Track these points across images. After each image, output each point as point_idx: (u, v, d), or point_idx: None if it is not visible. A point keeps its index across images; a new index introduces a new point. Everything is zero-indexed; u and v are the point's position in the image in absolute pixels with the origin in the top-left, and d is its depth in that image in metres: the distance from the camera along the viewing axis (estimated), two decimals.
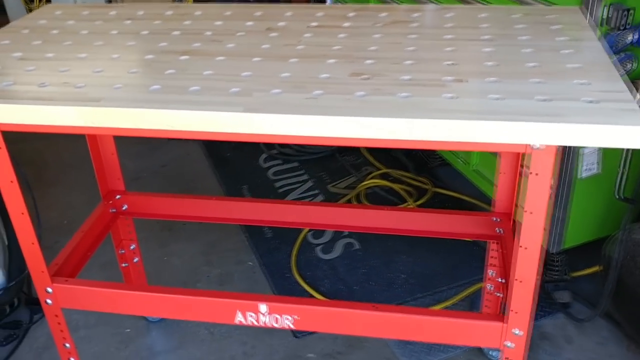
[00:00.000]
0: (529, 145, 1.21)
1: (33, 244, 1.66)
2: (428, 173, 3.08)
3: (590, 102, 1.17)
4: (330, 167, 3.23)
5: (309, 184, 3.11)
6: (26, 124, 1.36)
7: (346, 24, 1.65)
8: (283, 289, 2.45)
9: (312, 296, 2.41)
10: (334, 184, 3.10)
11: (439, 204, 2.88)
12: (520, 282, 1.43)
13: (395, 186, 2.98)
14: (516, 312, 1.48)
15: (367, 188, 3.01)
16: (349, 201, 2.93)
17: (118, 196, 2.07)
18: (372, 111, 1.17)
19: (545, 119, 1.13)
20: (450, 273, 2.48)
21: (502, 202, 1.88)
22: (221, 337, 2.26)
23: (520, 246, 1.38)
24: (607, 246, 2.10)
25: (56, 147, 3.58)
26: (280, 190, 3.08)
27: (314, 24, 1.66)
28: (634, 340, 2.13)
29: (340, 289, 2.44)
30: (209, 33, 1.63)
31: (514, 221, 1.88)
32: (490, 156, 2.48)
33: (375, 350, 2.17)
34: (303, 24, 1.67)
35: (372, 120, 1.15)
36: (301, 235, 2.71)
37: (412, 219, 1.98)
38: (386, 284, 2.45)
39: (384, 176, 3.09)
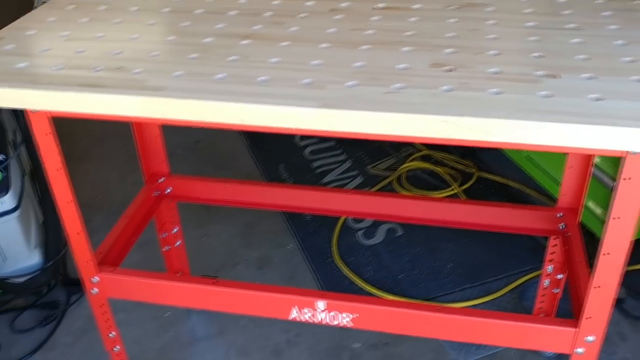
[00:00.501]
0: (629, 151, 1.11)
1: (79, 233, 1.59)
2: (472, 156, 2.98)
3: None
4: (369, 147, 3.13)
5: (348, 164, 3.02)
6: (79, 112, 1.28)
7: (415, 6, 1.53)
8: (325, 275, 2.39)
9: (355, 283, 2.34)
10: (374, 165, 3.00)
11: (484, 189, 2.78)
12: (599, 288, 1.35)
13: (439, 169, 2.88)
14: (590, 318, 1.40)
15: (408, 170, 2.92)
16: (390, 183, 2.84)
17: (162, 179, 2.00)
18: (463, 109, 1.07)
19: None
20: (498, 263, 2.40)
21: (568, 196, 1.78)
22: (263, 324, 2.21)
23: (603, 253, 1.29)
24: None
25: (85, 120, 3.50)
26: (318, 170, 2.99)
27: (381, 5, 1.55)
28: None
29: (385, 276, 2.37)
30: (268, 14, 1.53)
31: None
32: None
33: (423, 342, 2.11)
34: (368, 4, 1.56)
35: (466, 120, 1.05)
36: (341, 219, 2.63)
37: (466, 210, 1.89)
38: (432, 273, 2.37)
39: (425, 158, 2.99)
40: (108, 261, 1.72)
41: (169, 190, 2.01)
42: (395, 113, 1.08)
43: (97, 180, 3.01)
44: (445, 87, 1.15)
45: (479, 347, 2.07)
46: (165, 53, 1.36)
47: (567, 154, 1.74)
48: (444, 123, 1.06)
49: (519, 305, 2.21)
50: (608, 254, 1.29)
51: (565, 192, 1.78)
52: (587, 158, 1.68)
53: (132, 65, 1.31)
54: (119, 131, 3.34)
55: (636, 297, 2.21)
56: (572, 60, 1.24)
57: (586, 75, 1.18)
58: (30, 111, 1.34)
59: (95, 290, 1.69)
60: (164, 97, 1.18)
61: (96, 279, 1.67)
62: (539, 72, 1.19)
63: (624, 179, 1.15)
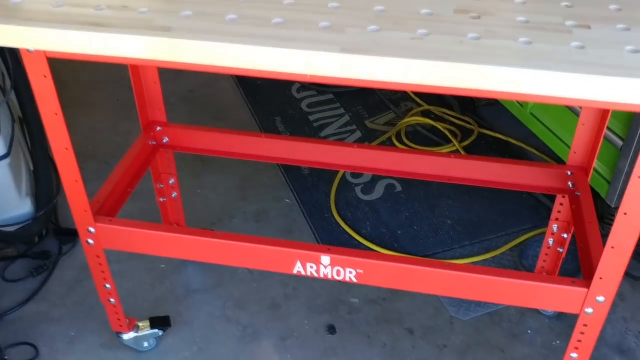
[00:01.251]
0: None
1: (76, 181, 1.53)
2: (473, 112, 2.93)
3: None
4: (368, 101, 3.06)
5: (346, 118, 2.96)
6: (79, 52, 1.20)
7: None
8: (323, 230, 2.35)
9: (353, 238, 2.31)
10: (372, 119, 2.94)
11: (484, 145, 2.74)
12: (613, 248, 1.32)
13: (439, 125, 2.82)
14: (602, 279, 1.38)
15: (407, 125, 2.86)
16: (389, 139, 2.79)
17: (159, 128, 1.93)
18: (492, 58, 1.02)
19: None
20: (498, 221, 2.37)
21: (579, 155, 1.74)
22: (261, 277, 2.17)
23: (622, 212, 1.26)
24: None
25: (74, 65, 3.38)
26: (316, 124, 2.93)
27: None
28: None
29: (383, 232, 2.34)
30: None
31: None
32: None
33: (422, 298, 2.09)
34: None
35: (495, 70, 0.99)
36: (339, 174, 2.59)
37: (470, 166, 1.84)
38: (431, 230, 2.34)
39: (425, 113, 2.93)
40: (104, 211, 1.66)
41: (165, 140, 1.94)
42: (425, 60, 1.01)
43: (88, 129, 2.92)
44: (472, 35, 1.09)
45: (478, 304, 2.06)
46: None
47: (579, 110, 1.69)
48: (472, 72, 1.00)
49: (519, 263, 2.20)
50: (626, 213, 1.26)
51: (575, 150, 1.74)
52: (602, 116, 1.63)
53: (138, 4, 1.23)
54: (109, 79, 3.25)
55: (636, 257, 2.20)
56: (604, 10, 1.18)
57: (620, 26, 1.12)
58: (27, 51, 1.26)
59: (91, 240, 1.64)
60: (172, 38, 1.11)
61: (92, 229, 1.61)
62: (569, 22, 1.13)
63: None
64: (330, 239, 2.31)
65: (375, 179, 2.58)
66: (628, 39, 1.08)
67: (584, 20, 1.14)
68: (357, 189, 2.54)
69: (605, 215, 2.21)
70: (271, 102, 3.09)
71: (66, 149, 1.47)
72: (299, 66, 1.07)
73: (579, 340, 1.50)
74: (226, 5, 1.21)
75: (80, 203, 1.57)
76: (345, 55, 1.04)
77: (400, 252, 2.25)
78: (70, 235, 2.30)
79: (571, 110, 2.22)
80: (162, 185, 2.06)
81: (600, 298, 1.41)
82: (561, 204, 1.83)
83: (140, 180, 1.83)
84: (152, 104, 1.89)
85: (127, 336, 1.90)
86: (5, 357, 1.84)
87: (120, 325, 1.87)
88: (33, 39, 1.17)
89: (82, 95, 3.19)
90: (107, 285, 1.76)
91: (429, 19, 1.14)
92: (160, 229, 1.66)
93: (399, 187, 2.54)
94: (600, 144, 1.67)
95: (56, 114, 1.40)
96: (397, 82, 1.05)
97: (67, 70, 3.37)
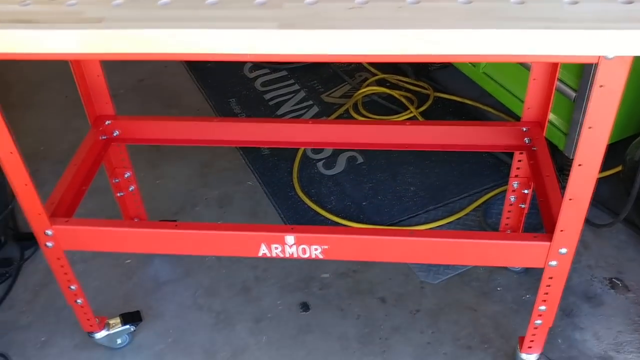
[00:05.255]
0: (602, 56, 1.07)
1: (26, 185, 1.48)
2: (427, 77, 2.92)
3: None
4: (322, 75, 3.04)
5: (302, 94, 2.93)
6: (9, 52, 1.15)
7: None
8: (288, 208, 2.34)
9: (319, 214, 2.30)
10: (328, 93, 2.92)
11: (441, 109, 2.75)
12: (571, 200, 1.33)
13: (395, 93, 2.82)
14: (563, 231, 1.40)
15: (364, 96, 2.85)
16: (346, 111, 2.77)
17: (108, 122, 1.88)
18: (432, 22, 1.00)
19: (628, 26, 0.99)
20: (460, 183, 2.39)
21: (532, 110, 1.75)
22: (229, 262, 2.16)
23: (577, 164, 1.27)
24: (632, 149, 2.01)
25: (18, 65, 3.28)
26: (272, 102, 2.90)
27: None
28: None
29: (348, 205, 2.33)
30: None
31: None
32: None
33: (391, 266, 2.10)
34: None
35: (435, 34, 0.98)
36: (300, 151, 2.57)
37: (427, 132, 1.84)
38: (395, 198, 2.35)
39: (380, 82, 2.92)
40: (60, 212, 1.62)
41: (116, 133, 1.89)
42: (362, 30, 1.00)
43: (38, 129, 2.84)
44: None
45: (447, 267, 2.08)
46: None
47: (530, 66, 1.69)
48: (419, 38, 0.99)
49: (484, 222, 2.22)
50: (581, 165, 1.27)
51: (529, 106, 1.75)
52: (552, 69, 1.63)
53: None
54: (56, 76, 3.15)
55: (597, 206, 2.24)
56: None
57: None
58: None
59: (50, 243, 1.60)
60: (104, 29, 1.07)
61: (50, 231, 1.57)
62: None
63: (600, 86, 1.11)
64: (296, 217, 2.30)
65: (337, 153, 2.57)
66: None
67: None
68: (319, 165, 2.53)
69: (565, 167, 2.24)
70: (224, 84, 3.04)
71: (11, 153, 1.41)
72: (237, 47, 1.04)
73: (546, 293, 1.52)
74: None
75: (33, 207, 1.52)
76: (284, 31, 1.02)
77: (367, 224, 2.25)
78: (30, 240, 2.23)
79: (523, 67, 2.23)
80: (118, 180, 2.01)
81: (563, 250, 1.43)
82: (520, 161, 1.84)
83: (94, 177, 1.78)
84: (98, 98, 1.84)
85: (100, 335, 1.88)
86: None
87: (91, 325, 1.84)
88: None
89: (29, 94, 3.10)
90: (73, 287, 1.73)
91: None
92: (120, 225, 1.63)
93: (360, 159, 2.53)
94: (552, 98, 1.68)
95: None
96: (343, 55, 1.03)
97: (12, 70, 3.27)
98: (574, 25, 1.00)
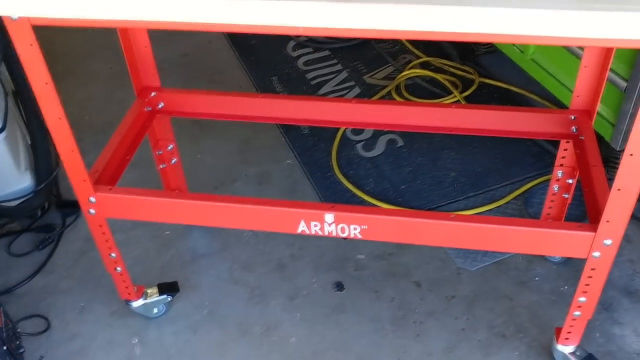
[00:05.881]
0: None
1: (73, 151, 1.51)
2: (473, 62, 2.87)
3: None
4: (366, 56, 3.01)
5: (344, 74, 2.91)
6: (64, 18, 1.16)
7: None
8: (326, 188, 2.33)
9: (356, 196, 2.29)
10: (371, 74, 2.90)
11: (486, 95, 2.70)
12: (620, 190, 1.30)
13: (439, 76, 2.78)
14: (609, 222, 1.36)
15: (407, 79, 2.82)
16: (388, 93, 2.75)
17: (153, 93, 1.89)
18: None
19: None
20: (502, 170, 2.35)
21: (582, 98, 1.70)
22: (266, 238, 2.17)
23: (628, 154, 1.24)
24: None
25: (64, 35, 3.32)
26: (313, 82, 2.89)
27: None
28: None
29: (387, 188, 2.32)
30: None
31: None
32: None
33: (428, 251, 2.09)
34: None
35: (493, 11, 0.96)
36: (340, 132, 2.56)
37: (472, 116, 1.81)
38: (435, 183, 2.33)
39: (424, 65, 2.88)
40: (104, 180, 1.64)
41: (161, 105, 1.91)
42: (419, 5, 0.98)
43: (83, 99, 2.89)
44: None
45: (485, 254, 2.06)
46: None
47: (581, 53, 1.65)
48: (472, 15, 0.97)
49: (525, 211, 2.18)
50: (632, 154, 1.24)
51: (578, 94, 1.71)
52: (604, 56, 1.59)
53: None
54: (102, 47, 3.19)
55: None
56: None
57: None
58: (10, 19, 1.22)
59: (93, 210, 1.63)
60: None
61: (93, 199, 1.60)
62: None
63: None
64: (334, 197, 2.30)
65: (377, 134, 2.56)
66: None
67: None
68: (359, 146, 2.51)
69: (610, 159, 2.18)
70: (267, 61, 3.04)
71: (60, 118, 1.44)
72: (291, 19, 1.04)
73: (587, 284, 1.50)
74: None
75: (78, 173, 1.55)
76: (336, 4, 1.00)
77: (405, 207, 2.23)
78: (72, 207, 2.29)
79: (573, 54, 2.17)
80: (161, 152, 2.03)
81: (608, 241, 1.40)
82: (565, 150, 1.80)
83: (138, 147, 1.81)
84: (144, 69, 1.85)
85: (137, 304, 1.91)
86: (18, 330, 1.85)
87: (129, 294, 1.88)
88: (14, 5, 1.13)
89: (75, 65, 3.15)
90: (113, 255, 1.76)
91: None
92: (162, 195, 1.65)
93: (400, 142, 2.51)
94: (603, 87, 1.64)
95: (47, 83, 1.37)
96: (393, 30, 1.02)
97: (58, 41, 3.32)
98: (633, 7, 0.96)
